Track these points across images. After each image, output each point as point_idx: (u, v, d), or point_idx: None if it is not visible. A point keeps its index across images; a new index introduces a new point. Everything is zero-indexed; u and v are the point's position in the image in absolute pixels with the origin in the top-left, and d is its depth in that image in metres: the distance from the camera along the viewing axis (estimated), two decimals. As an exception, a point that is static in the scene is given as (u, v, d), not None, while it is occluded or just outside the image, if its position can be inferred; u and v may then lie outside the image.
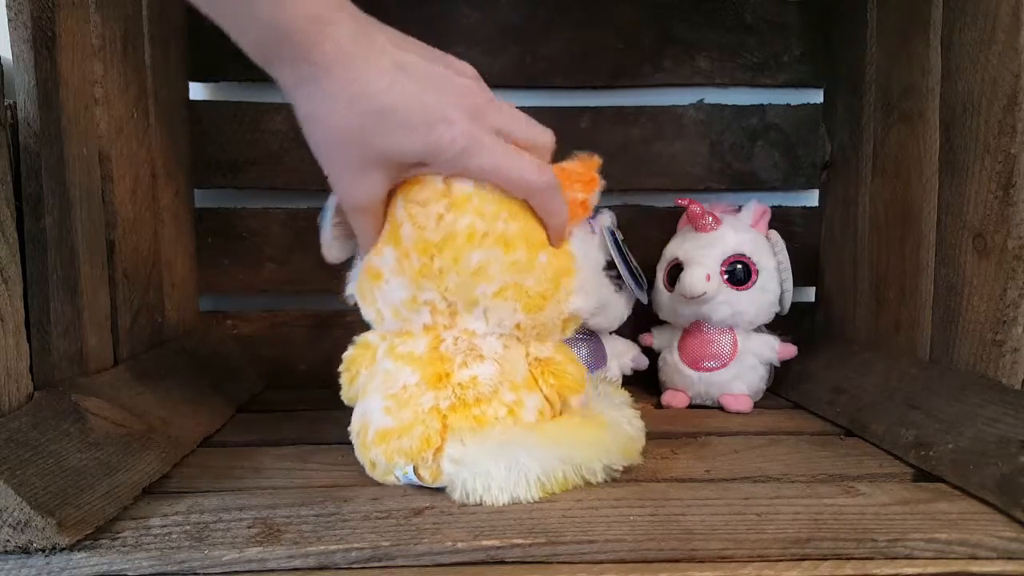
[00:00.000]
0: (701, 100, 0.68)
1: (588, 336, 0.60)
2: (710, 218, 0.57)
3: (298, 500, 0.37)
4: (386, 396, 0.39)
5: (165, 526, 0.34)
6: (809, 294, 0.70)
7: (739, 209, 0.60)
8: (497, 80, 0.67)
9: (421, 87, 0.35)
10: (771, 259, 0.58)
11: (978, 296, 0.44)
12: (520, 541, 0.32)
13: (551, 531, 0.33)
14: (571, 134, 0.67)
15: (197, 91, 0.64)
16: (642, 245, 0.62)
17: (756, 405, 0.58)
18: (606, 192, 0.68)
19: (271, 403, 0.61)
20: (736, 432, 0.51)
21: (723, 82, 0.68)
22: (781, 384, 0.62)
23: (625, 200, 0.69)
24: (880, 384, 0.51)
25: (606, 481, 0.39)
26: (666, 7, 0.67)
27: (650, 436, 0.44)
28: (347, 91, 0.34)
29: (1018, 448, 0.36)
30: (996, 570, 0.31)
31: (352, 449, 0.42)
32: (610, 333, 0.62)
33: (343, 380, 0.44)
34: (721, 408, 0.58)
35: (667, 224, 0.63)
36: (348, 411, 0.43)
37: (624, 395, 0.49)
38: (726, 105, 0.68)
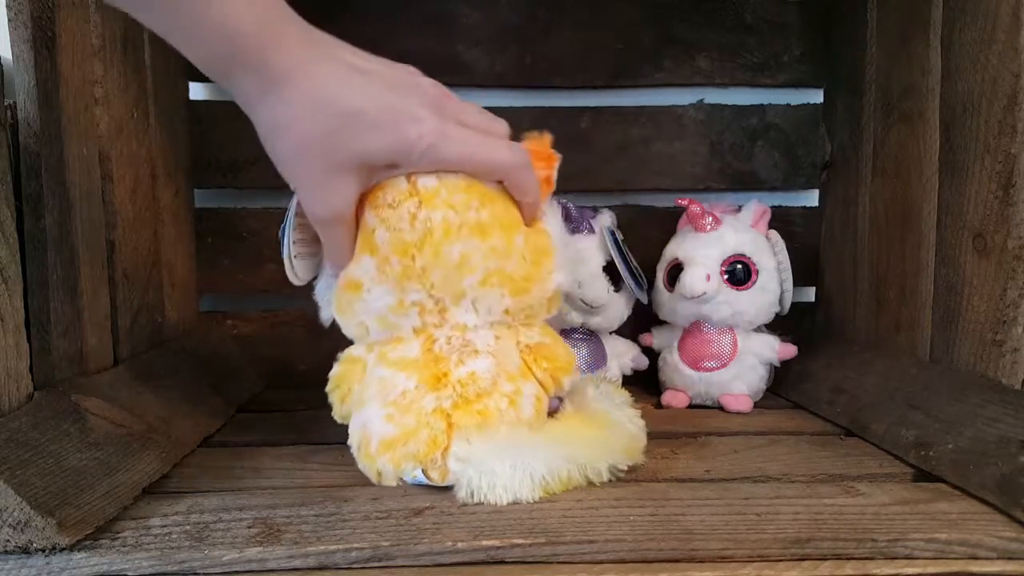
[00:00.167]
0: (701, 100, 0.68)
1: (588, 336, 0.60)
2: (710, 218, 0.57)
3: (298, 500, 0.37)
4: (386, 404, 0.39)
5: (165, 526, 0.34)
6: (809, 294, 0.70)
7: (739, 209, 0.60)
8: (497, 80, 0.68)
9: (381, 88, 0.35)
10: (771, 259, 0.58)
11: (978, 296, 0.44)
12: (520, 541, 0.32)
13: (551, 531, 0.33)
14: (571, 134, 0.67)
15: (197, 91, 0.64)
16: (642, 245, 0.61)
17: (756, 405, 0.58)
18: (606, 192, 0.69)
19: (271, 403, 0.61)
20: (736, 432, 0.51)
21: (723, 82, 0.68)
22: (781, 384, 0.62)
23: (625, 200, 0.69)
24: (880, 384, 0.51)
25: (607, 481, 0.39)
26: (666, 7, 0.67)
27: (650, 436, 0.44)
28: (310, 96, 0.33)
29: (1018, 448, 0.36)
30: (996, 570, 0.31)
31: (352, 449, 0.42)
32: (610, 333, 0.62)
33: (334, 399, 0.43)
34: (721, 408, 0.58)
35: (667, 224, 0.63)
36: (348, 411, 0.43)
37: (624, 395, 0.49)
38: (726, 105, 0.68)
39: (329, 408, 0.43)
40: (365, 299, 0.39)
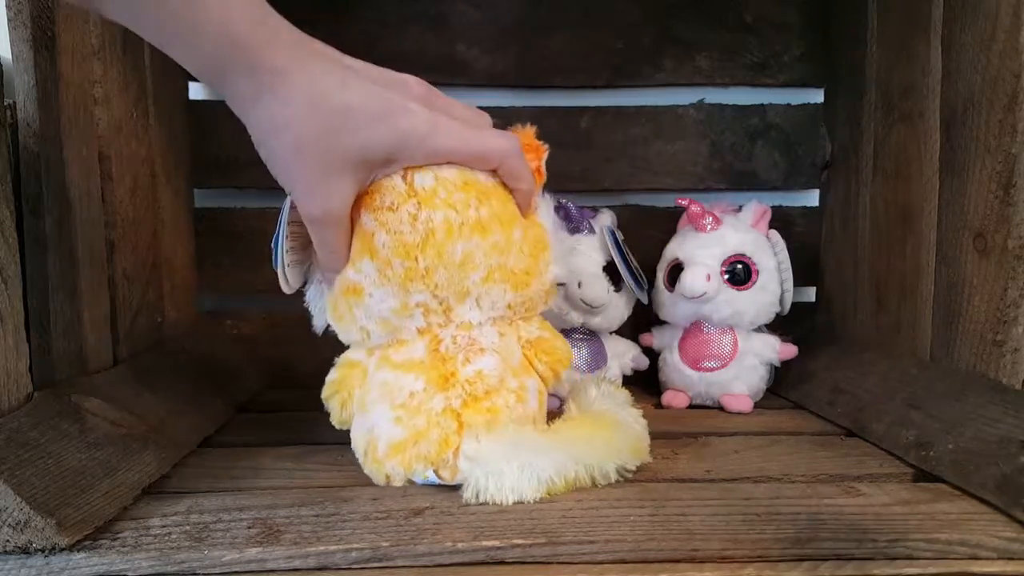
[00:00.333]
0: (701, 100, 0.68)
1: (588, 336, 0.60)
2: (710, 218, 0.57)
3: (298, 500, 0.37)
4: (394, 407, 0.39)
5: (165, 526, 0.34)
6: (809, 294, 0.70)
7: (739, 209, 0.60)
8: (497, 80, 0.68)
9: (372, 84, 0.36)
10: (771, 259, 0.57)
11: (978, 296, 0.44)
12: (520, 541, 0.32)
13: (551, 531, 0.33)
14: (571, 134, 0.67)
15: (197, 91, 0.64)
16: (642, 245, 0.61)
17: (756, 405, 0.58)
18: (606, 192, 0.69)
19: (271, 403, 0.60)
20: (736, 432, 0.51)
21: (723, 82, 0.68)
22: (781, 384, 0.62)
23: (625, 200, 0.69)
24: (880, 384, 0.51)
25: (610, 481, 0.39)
26: (666, 7, 0.67)
27: (651, 436, 0.44)
28: (307, 94, 0.34)
29: (1018, 448, 0.36)
30: (996, 570, 0.31)
31: (352, 449, 0.41)
32: (610, 333, 0.62)
33: (333, 405, 0.42)
34: (721, 408, 0.58)
35: (667, 224, 0.63)
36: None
37: (625, 394, 0.49)
38: (726, 105, 0.68)
39: (329, 408, 0.43)
40: (367, 303, 0.39)
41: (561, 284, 0.57)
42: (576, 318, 0.58)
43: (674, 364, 0.59)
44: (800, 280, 0.61)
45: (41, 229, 0.40)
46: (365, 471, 0.40)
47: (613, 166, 0.68)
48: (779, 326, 0.60)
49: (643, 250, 0.61)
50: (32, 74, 0.39)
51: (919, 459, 0.42)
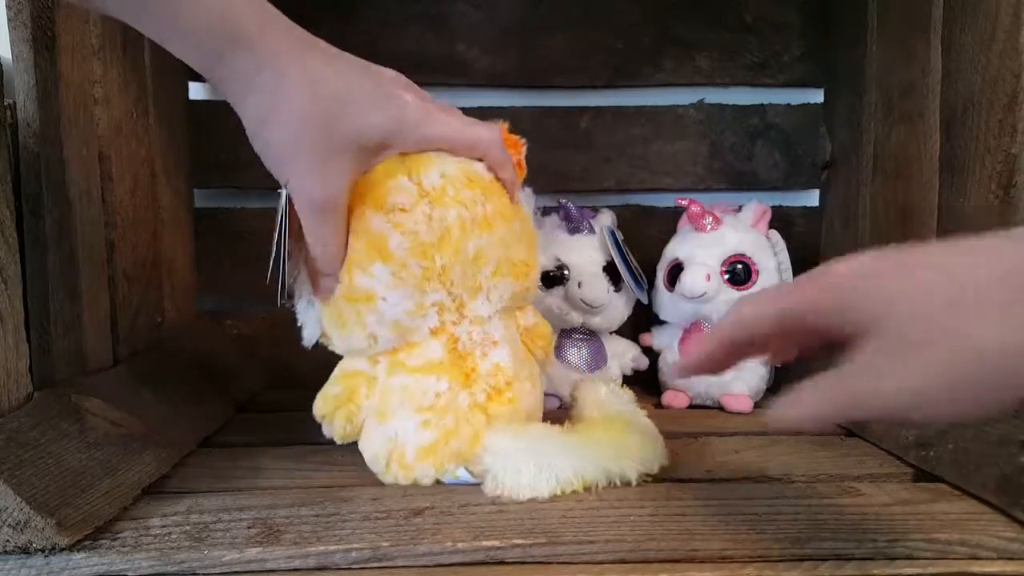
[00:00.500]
0: (701, 100, 0.68)
1: (588, 336, 0.60)
2: (710, 218, 0.57)
3: (298, 500, 0.37)
4: (420, 410, 0.39)
5: (165, 526, 0.34)
6: (809, 294, 0.69)
7: (739, 209, 0.60)
8: (497, 80, 0.68)
9: (361, 72, 0.36)
10: (771, 259, 0.57)
11: (978, 296, 0.44)
12: (520, 541, 0.32)
13: (551, 531, 0.33)
14: (571, 134, 0.67)
15: (197, 91, 0.64)
16: (642, 245, 0.61)
17: (756, 405, 0.58)
18: (606, 192, 0.69)
19: (271, 403, 0.60)
20: (736, 432, 0.51)
21: (723, 82, 0.68)
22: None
23: (625, 200, 0.69)
24: (880, 384, 0.51)
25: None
26: (666, 7, 0.67)
27: (650, 436, 0.44)
28: (305, 76, 0.34)
29: (1018, 448, 0.36)
30: (996, 570, 0.31)
31: (352, 449, 0.41)
32: (610, 333, 0.62)
33: (339, 418, 0.40)
34: (721, 408, 0.58)
35: (667, 224, 0.63)
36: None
37: (629, 394, 0.49)
38: (726, 105, 0.68)
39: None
40: (380, 308, 0.38)
41: (560, 284, 0.58)
42: (576, 318, 0.58)
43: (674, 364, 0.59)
44: (800, 280, 0.61)
45: (41, 229, 0.40)
46: (385, 479, 0.40)
47: (613, 166, 0.68)
48: (779, 326, 0.60)
49: (643, 250, 0.61)
50: (32, 74, 0.39)
51: (919, 459, 0.42)
